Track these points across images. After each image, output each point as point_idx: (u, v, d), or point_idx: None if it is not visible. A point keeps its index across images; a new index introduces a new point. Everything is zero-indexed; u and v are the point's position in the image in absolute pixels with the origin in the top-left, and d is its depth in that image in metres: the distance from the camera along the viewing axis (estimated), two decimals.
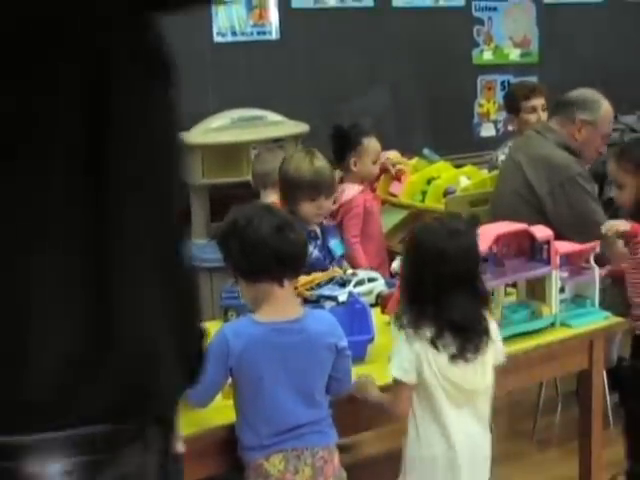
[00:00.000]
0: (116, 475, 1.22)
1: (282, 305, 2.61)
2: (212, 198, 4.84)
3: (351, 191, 4.50)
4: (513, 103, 5.10)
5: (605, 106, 4.29)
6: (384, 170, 4.98)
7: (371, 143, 4.76)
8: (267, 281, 2.58)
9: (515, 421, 4.52)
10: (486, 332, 2.65)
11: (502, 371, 3.13)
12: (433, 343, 2.58)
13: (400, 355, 2.63)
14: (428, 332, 2.58)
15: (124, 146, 1.18)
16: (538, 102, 5.01)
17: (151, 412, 1.27)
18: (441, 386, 2.63)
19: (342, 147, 4.67)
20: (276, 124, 4.96)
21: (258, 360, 2.55)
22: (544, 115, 4.96)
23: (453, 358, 2.60)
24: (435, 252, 2.58)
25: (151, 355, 1.24)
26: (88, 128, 1.14)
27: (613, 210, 3.91)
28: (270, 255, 2.56)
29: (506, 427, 4.45)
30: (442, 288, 2.58)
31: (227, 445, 2.65)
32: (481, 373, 2.67)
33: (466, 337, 2.61)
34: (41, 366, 1.15)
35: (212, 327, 3.45)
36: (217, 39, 5.01)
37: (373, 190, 4.84)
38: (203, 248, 4.79)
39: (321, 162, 3.87)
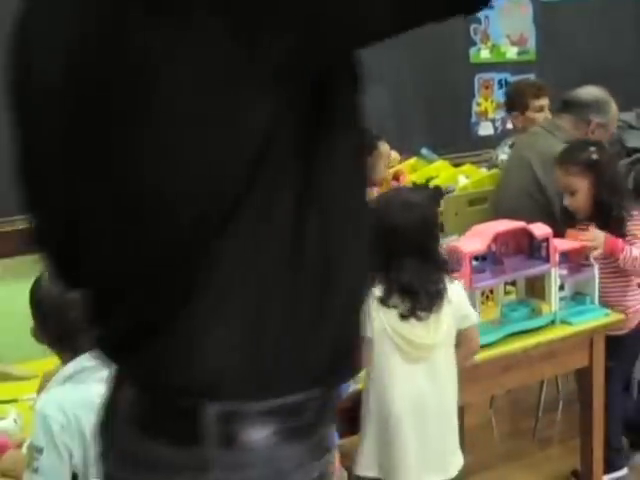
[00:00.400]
0: (318, 439, 1.33)
1: None
2: None
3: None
4: (521, 101, 5.03)
5: (614, 106, 4.30)
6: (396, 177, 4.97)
7: (384, 147, 4.77)
8: None
9: (516, 419, 4.51)
10: (439, 295, 2.75)
11: (502, 369, 3.15)
12: (382, 302, 2.72)
13: None
14: (377, 292, 2.72)
15: (331, 152, 1.29)
16: (545, 102, 4.97)
17: (348, 379, 1.44)
18: (392, 340, 2.75)
19: None
20: None
21: None
22: (549, 115, 4.94)
23: (403, 317, 2.73)
24: (387, 224, 2.70)
25: (355, 325, 1.35)
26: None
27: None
28: None
29: (507, 425, 4.45)
30: (392, 255, 2.72)
31: None
32: (433, 329, 2.76)
33: (415, 299, 2.73)
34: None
35: None
36: None
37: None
38: None
39: None
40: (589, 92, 4.33)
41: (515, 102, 5.07)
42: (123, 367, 1.35)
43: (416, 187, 3.00)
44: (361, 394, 2.82)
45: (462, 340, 2.87)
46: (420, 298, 2.74)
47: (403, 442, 2.76)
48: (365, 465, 2.83)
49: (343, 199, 1.30)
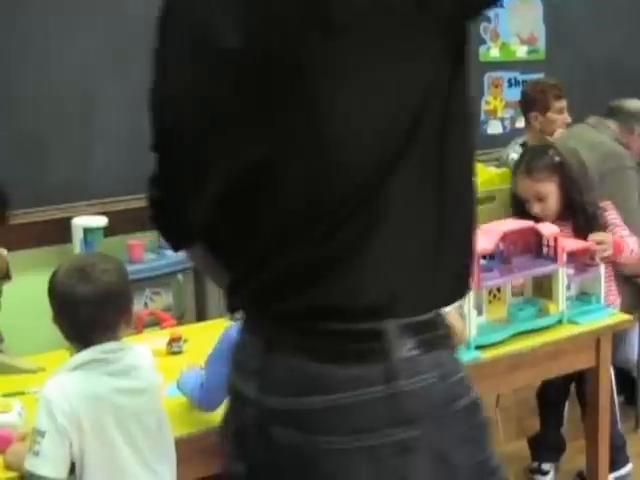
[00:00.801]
0: (449, 351, 1.55)
1: None
2: None
3: None
4: (542, 101, 4.99)
5: None
6: None
7: None
8: None
9: (522, 419, 4.51)
10: None
11: (509, 368, 3.15)
12: None
13: None
14: None
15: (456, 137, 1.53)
16: (564, 103, 4.96)
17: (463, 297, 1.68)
18: None
19: None
20: None
21: None
22: (568, 117, 4.91)
23: None
24: None
25: (470, 253, 1.60)
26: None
27: None
28: None
29: (513, 425, 4.45)
30: None
31: None
32: None
33: None
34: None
35: (220, 325, 3.48)
36: None
37: None
38: None
39: None
40: (635, 103, 4.47)
41: (535, 102, 4.99)
42: (283, 310, 1.49)
43: None
44: None
45: None
46: None
47: None
48: None
49: (464, 148, 1.58)
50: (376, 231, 1.43)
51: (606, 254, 3.42)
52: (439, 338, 1.52)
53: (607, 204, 3.72)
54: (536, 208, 3.61)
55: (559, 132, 4.79)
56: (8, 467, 2.39)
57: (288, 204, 1.46)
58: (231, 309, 1.65)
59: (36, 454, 2.21)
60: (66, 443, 2.22)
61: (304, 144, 1.43)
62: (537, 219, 3.48)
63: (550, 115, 4.92)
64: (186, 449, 2.52)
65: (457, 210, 1.54)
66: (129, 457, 2.32)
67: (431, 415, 1.47)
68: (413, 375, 1.46)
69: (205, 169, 1.55)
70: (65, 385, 2.27)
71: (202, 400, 2.62)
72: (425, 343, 1.48)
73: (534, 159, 3.71)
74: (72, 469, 2.25)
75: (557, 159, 3.67)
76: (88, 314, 2.30)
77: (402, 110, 1.43)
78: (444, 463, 1.48)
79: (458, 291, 1.59)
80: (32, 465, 2.22)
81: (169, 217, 1.70)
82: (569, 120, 4.88)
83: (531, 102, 5.04)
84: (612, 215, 3.69)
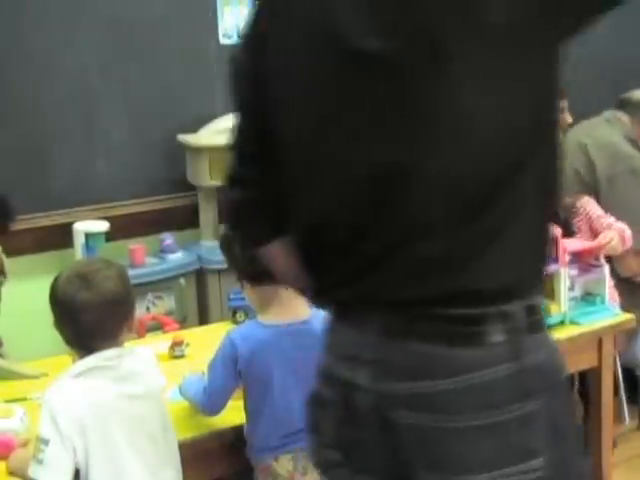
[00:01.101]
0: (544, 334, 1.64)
1: (289, 306, 2.60)
2: (220, 200, 4.84)
3: None
4: None
5: None
6: None
7: None
8: (271, 283, 2.55)
9: None
10: None
11: None
12: None
13: None
14: None
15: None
16: (565, 103, 4.96)
17: None
18: None
19: None
20: None
21: (267, 363, 2.55)
22: (569, 117, 4.93)
23: None
24: None
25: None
26: None
27: None
28: None
29: None
30: None
31: (235, 446, 2.65)
32: None
33: None
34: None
35: (222, 328, 3.48)
36: (223, 41, 4.99)
37: None
38: (211, 250, 4.79)
39: None
40: None
41: None
42: (411, 298, 1.56)
43: None
44: None
45: None
46: None
47: None
48: None
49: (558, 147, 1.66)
50: (517, 217, 1.55)
51: (620, 251, 3.44)
52: (543, 318, 1.66)
53: (584, 200, 3.73)
54: None
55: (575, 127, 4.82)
56: (11, 473, 2.39)
57: (424, 198, 1.53)
58: (322, 305, 1.78)
59: (40, 462, 2.21)
60: (70, 451, 2.21)
61: (444, 143, 1.51)
62: None
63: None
64: (189, 453, 2.52)
65: (550, 204, 1.66)
66: (133, 463, 2.31)
67: (547, 387, 1.59)
68: (534, 351, 1.58)
69: (328, 168, 1.61)
70: (68, 392, 2.27)
71: (205, 405, 2.62)
72: (538, 323, 1.62)
73: None
74: (77, 475, 2.25)
75: None
76: (89, 322, 2.29)
77: (535, 108, 1.55)
78: (556, 432, 1.58)
79: (542, 281, 1.72)
80: (36, 473, 2.22)
81: (259, 216, 1.79)
82: (570, 120, 4.88)
83: None
84: (592, 208, 3.71)
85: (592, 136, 4.30)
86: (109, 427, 2.27)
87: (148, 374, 2.42)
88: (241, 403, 2.65)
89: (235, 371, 2.55)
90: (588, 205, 3.75)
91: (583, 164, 4.24)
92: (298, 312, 2.62)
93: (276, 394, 2.56)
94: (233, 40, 5.04)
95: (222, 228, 4.94)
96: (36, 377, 2.95)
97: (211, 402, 2.61)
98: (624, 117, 4.37)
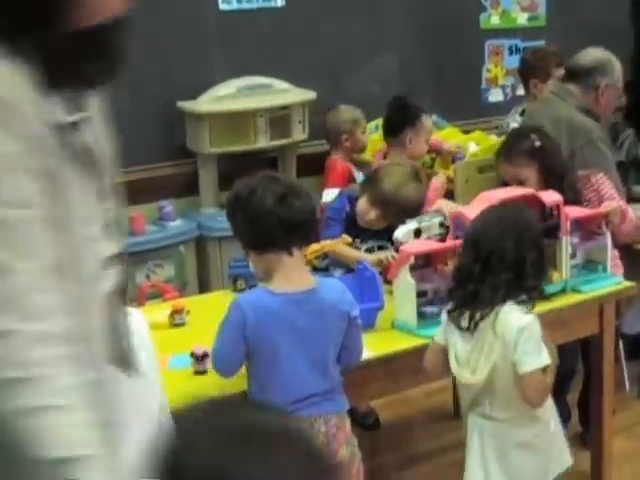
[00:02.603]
0: None
1: (294, 275, 2.60)
2: (220, 167, 4.82)
3: None
4: (543, 68, 4.97)
5: (616, 64, 4.25)
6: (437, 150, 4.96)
7: (428, 121, 4.72)
8: (275, 251, 2.57)
9: None
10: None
11: None
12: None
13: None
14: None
15: None
16: (562, 71, 4.94)
17: None
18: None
19: (401, 120, 4.62)
20: (282, 92, 4.94)
21: (274, 331, 2.55)
22: None
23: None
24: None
25: None
26: None
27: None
28: (275, 224, 2.55)
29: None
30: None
31: None
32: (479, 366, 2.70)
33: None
34: None
35: (222, 296, 3.47)
36: (222, 7, 4.96)
37: None
38: (212, 217, 4.78)
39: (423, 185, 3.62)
40: (591, 56, 4.28)
41: (536, 69, 4.98)
42: None
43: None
44: None
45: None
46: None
47: None
48: None
49: None
50: None
51: (614, 220, 3.41)
52: None
53: (599, 177, 3.69)
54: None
55: (529, 106, 4.77)
56: None
57: None
58: None
59: None
60: None
61: None
62: None
63: (550, 82, 4.90)
64: None
65: None
66: None
67: None
68: None
69: None
70: None
71: (214, 365, 2.63)
72: None
73: (514, 144, 3.68)
74: None
75: (538, 144, 3.62)
76: None
77: None
78: None
79: None
80: None
81: None
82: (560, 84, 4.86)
83: (531, 70, 5.02)
84: (605, 188, 3.66)
85: (546, 116, 4.22)
86: None
87: (140, 331, 2.38)
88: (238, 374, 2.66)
89: (241, 336, 2.54)
90: (602, 182, 3.70)
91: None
92: (303, 281, 2.62)
93: (283, 362, 2.56)
94: (232, 6, 5.01)
95: (224, 195, 4.93)
96: None
97: (217, 364, 2.62)
98: (572, 87, 4.26)
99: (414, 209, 3.42)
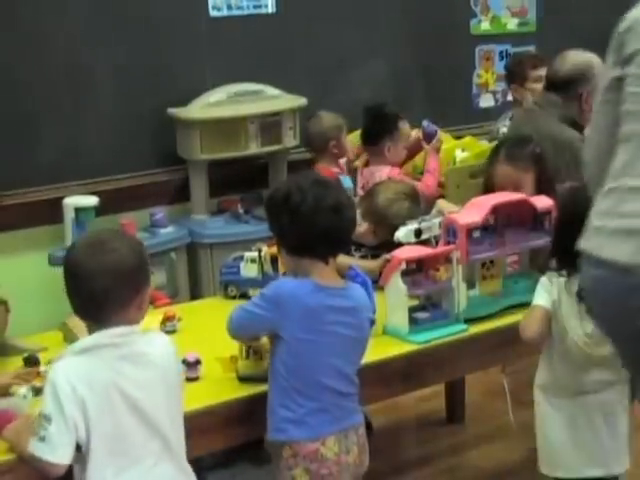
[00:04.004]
0: None
1: (326, 277, 2.58)
2: (211, 173, 4.82)
3: (384, 172, 4.47)
4: (520, 72, 5.04)
5: (596, 63, 4.14)
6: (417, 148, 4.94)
7: (405, 127, 4.73)
8: (311, 258, 2.55)
9: (518, 391, 4.49)
10: None
11: (504, 342, 3.14)
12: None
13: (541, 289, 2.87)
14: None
15: None
16: (544, 72, 4.96)
17: None
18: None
19: (379, 131, 4.64)
20: (273, 98, 4.94)
21: (317, 323, 2.51)
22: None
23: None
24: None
25: None
26: None
27: None
28: (322, 235, 2.53)
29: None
30: None
31: (229, 423, 2.63)
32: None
33: None
34: None
35: (214, 303, 3.47)
36: (213, 13, 4.96)
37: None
38: (203, 223, 4.78)
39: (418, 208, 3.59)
40: (568, 64, 4.18)
41: (514, 74, 5.10)
42: None
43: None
44: None
45: None
46: None
47: None
48: None
49: None
50: None
51: None
52: None
53: None
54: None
55: (515, 114, 4.77)
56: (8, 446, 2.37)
57: None
58: None
59: (42, 439, 2.19)
60: (72, 429, 2.18)
61: None
62: None
63: (528, 85, 4.98)
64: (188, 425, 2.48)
65: None
66: (138, 440, 2.29)
67: None
68: None
69: None
70: (70, 368, 2.23)
71: (230, 318, 2.62)
72: None
73: (518, 147, 3.67)
74: (78, 450, 2.23)
75: (537, 150, 3.63)
76: (97, 289, 2.27)
77: None
78: None
79: None
80: (38, 450, 2.20)
81: None
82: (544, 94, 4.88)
83: (511, 75, 5.17)
84: None
85: (532, 127, 4.20)
86: (110, 405, 2.24)
87: (157, 359, 2.36)
88: (232, 375, 2.66)
89: (268, 312, 2.51)
90: None
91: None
92: (336, 282, 2.61)
93: (320, 359, 2.52)
94: (223, 13, 5.01)
95: (214, 202, 4.93)
96: (36, 351, 2.93)
97: (241, 325, 2.60)
98: (554, 97, 4.22)
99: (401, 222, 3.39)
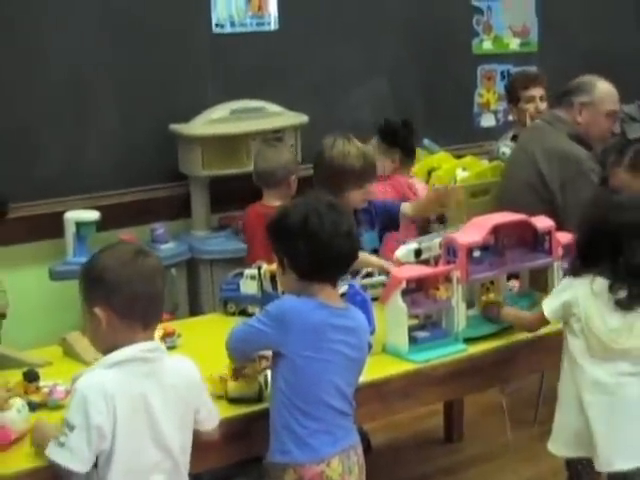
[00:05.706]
0: None
1: (331, 298, 2.58)
2: (212, 190, 4.83)
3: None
4: (512, 92, 5.12)
5: (600, 86, 4.28)
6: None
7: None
8: (320, 282, 2.55)
9: (517, 410, 4.49)
10: None
11: (502, 360, 3.14)
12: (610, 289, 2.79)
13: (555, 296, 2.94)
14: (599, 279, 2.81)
15: None
16: (537, 92, 5.01)
17: None
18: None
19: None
20: (275, 115, 4.95)
21: (320, 341, 2.50)
22: (542, 105, 4.97)
23: (619, 304, 2.78)
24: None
25: None
26: None
27: None
28: (337, 260, 2.54)
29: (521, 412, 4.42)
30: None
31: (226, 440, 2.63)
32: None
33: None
34: None
35: (213, 319, 3.46)
36: (216, 30, 4.98)
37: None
38: (203, 240, 4.79)
39: (366, 147, 3.76)
40: (577, 79, 4.36)
41: (509, 95, 5.18)
42: None
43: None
44: None
45: None
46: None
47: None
48: None
49: None
50: None
51: None
52: None
53: None
54: None
55: (521, 132, 4.81)
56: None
57: None
58: None
59: (61, 445, 2.20)
60: (93, 442, 2.19)
61: None
62: None
63: (521, 105, 5.03)
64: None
65: None
66: (154, 456, 2.30)
67: None
68: None
69: None
70: (102, 382, 2.24)
71: (229, 338, 2.61)
72: None
73: (638, 156, 3.73)
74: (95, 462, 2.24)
75: None
76: (147, 290, 2.31)
77: None
78: None
79: None
80: (54, 454, 2.22)
81: None
82: (542, 108, 4.93)
83: (507, 95, 5.22)
84: None
85: (538, 144, 4.25)
86: (137, 420, 2.26)
87: (181, 384, 2.37)
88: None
89: (272, 329, 2.48)
90: None
91: (534, 175, 4.22)
92: (339, 303, 2.61)
93: (324, 376, 2.50)
94: (225, 30, 5.03)
95: (215, 218, 4.93)
96: (40, 366, 2.92)
97: (233, 335, 2.60)
98: (562, 113, 4.29)
99: (358, 173, 3.59)
